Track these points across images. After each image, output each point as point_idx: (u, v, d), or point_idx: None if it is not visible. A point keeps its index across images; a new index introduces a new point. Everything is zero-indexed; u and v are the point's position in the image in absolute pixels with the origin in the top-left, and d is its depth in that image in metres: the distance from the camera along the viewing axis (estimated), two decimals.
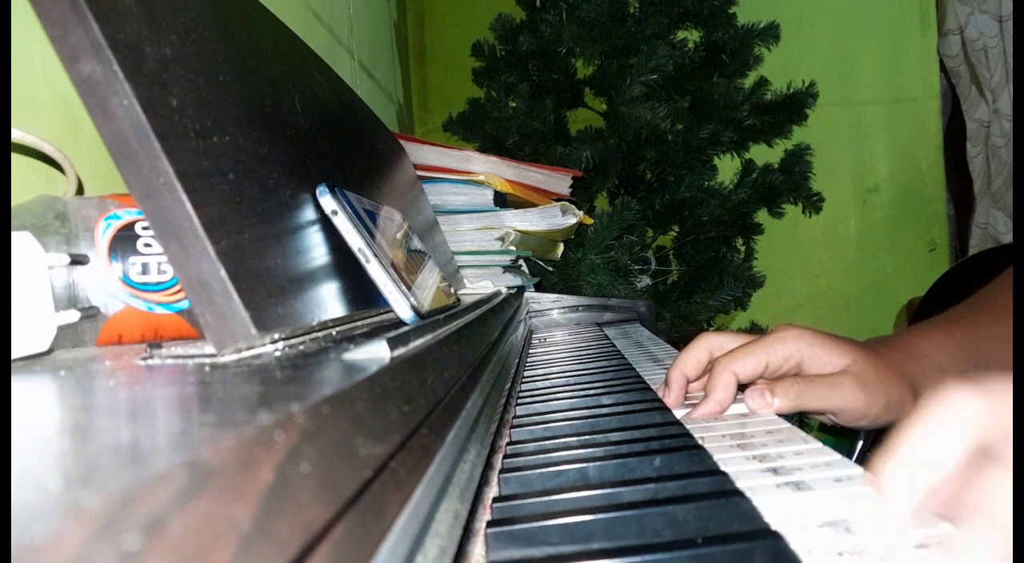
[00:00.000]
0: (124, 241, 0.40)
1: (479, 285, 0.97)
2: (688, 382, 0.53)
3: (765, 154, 1.85)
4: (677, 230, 1.84)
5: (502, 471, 0.37)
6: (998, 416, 0.27)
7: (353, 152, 0.58)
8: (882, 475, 0.28)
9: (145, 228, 0.40)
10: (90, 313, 0.38)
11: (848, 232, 2.44)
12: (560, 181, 1.28)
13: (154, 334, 0.41)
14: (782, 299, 2.31)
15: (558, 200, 1.24)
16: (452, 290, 0.61)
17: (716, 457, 0.37)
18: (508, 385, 0.56)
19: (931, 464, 0.28)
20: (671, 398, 0.52)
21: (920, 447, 0.28)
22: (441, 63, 2.47)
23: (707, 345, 0.54)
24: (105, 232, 0.40)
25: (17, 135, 0.43)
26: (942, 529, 0.27)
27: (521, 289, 1.10)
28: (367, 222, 0.43)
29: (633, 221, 1.51)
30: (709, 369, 0.52)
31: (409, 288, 0.42)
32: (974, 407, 0.28)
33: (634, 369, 0.66)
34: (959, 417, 0.28)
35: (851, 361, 0.49)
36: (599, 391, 0.56)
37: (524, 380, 0.67)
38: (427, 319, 0.40)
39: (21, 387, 0.25)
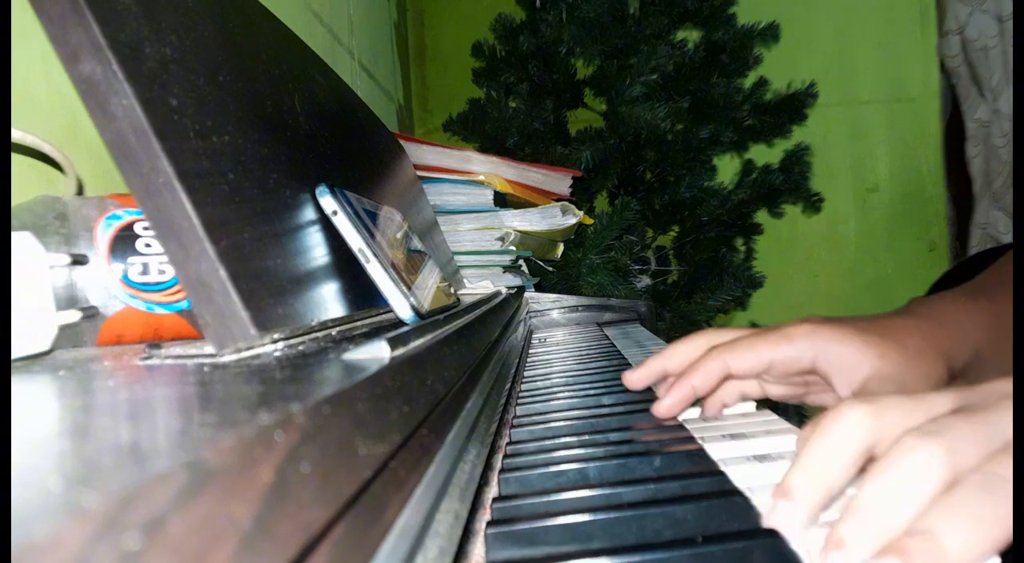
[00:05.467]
0: (124, 241, 0.40)
1: (479, 285, 0.97)
2: (668, 377, 0.48)
3: (765, 154, 1.85)
4: (677, 230, 1.84)
5: (502, 471, 0.37)
6: (883, 424, 0.29)
7: (353, 152, 0.58)
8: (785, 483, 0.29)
9: (145, 228, 0.40)
10: (90, 313, 0.38)
11: (848, 232, 2.43)
12: (560, 181, 1.28)
13: (154, 334, 0.41)
14: (782, 299, 2.30)
15: (558, 200, 1.24)
16: (452, 290, 0.61)
17: (716, 457, 0.37)
18: (508, 385, 0.56)
19: (827, 471, 0.28)
20: (636, 374, 0.48)
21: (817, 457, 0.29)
22: (441, 63, 2.47)
23: (706, 343, 0.48)
24: (105, 232, 0.40)
25: (17, 135, 0.43)
26: None
27: (521, 289, 1.10)
28: (367, 222, 0.43)
29: (633, 221, 1.51)
30: None
31: (409, 288, 0.42)
32: (861, 418, 0.29)
33: None
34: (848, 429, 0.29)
35: (878, 358, 0.43)
36: (599, 391, 0.56)
37: (524, 380, 0.67)
38: (427, 319, 0.40)
39: (21, 387, 0.25)
